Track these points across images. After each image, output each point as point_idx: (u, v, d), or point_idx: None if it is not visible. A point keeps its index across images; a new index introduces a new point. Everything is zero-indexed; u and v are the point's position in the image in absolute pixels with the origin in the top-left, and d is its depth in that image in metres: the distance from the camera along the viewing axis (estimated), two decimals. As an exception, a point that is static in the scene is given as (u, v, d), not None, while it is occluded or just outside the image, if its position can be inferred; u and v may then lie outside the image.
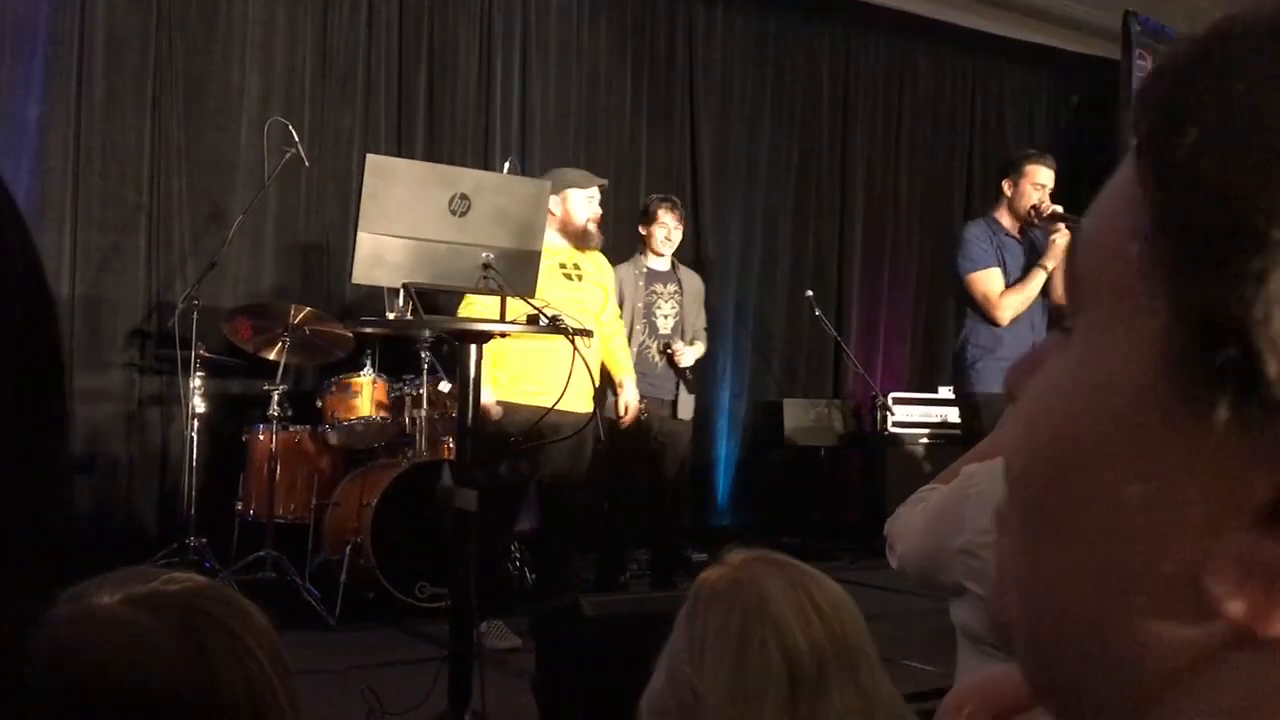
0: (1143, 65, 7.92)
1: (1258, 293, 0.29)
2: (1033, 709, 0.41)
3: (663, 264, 5.27)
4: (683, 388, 5.23)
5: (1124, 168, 0.34)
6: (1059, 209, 4.50)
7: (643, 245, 5.27)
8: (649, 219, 5.24)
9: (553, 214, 4.53)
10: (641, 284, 5.18)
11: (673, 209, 5.23)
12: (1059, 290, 4.58)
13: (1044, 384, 0.36)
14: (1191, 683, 0.32)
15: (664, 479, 5.25)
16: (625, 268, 5.20)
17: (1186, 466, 0.31)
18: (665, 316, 5.23)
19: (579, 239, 4.57)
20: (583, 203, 4.57)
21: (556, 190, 4.52)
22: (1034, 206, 4.50)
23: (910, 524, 1.83)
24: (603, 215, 4.72)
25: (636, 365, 5.08)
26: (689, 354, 5.19)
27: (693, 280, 5.37)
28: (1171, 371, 0.31)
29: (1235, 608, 0.30)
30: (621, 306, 5.08)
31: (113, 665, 0.95)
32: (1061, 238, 4.47)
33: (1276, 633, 0.30)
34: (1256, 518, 0.30)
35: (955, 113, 8.15)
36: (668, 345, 5.16)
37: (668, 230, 5.20)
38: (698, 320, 5.36)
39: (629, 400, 4.83)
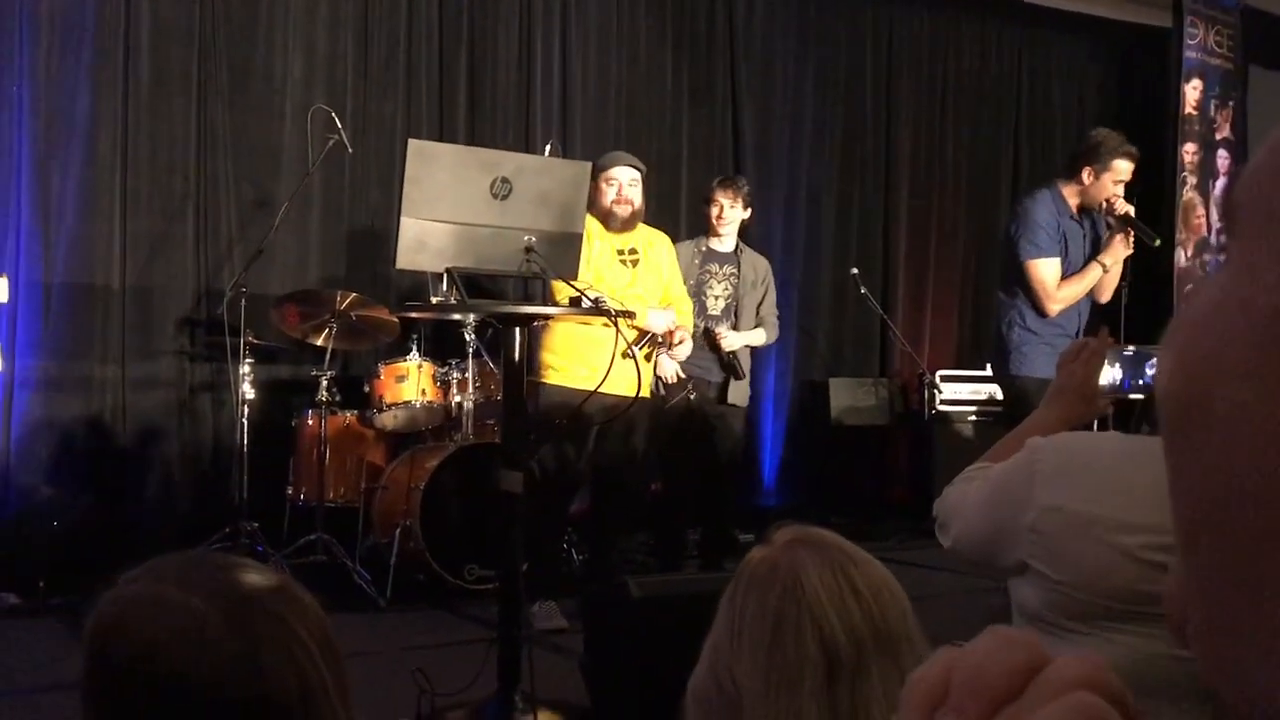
0: (1194, 33, 7.76)
1: None
2: (1025, 697, 0.37)
3: (724, 245, 5.18)
4: (731, 373, 5.13)
5: None
6: (1130, 211, 4.40)
7: (708, 225, 5.21)
8: (707, 199, 5.19)
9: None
10: (697, 263, 5.12)
11: (727, 187, 5.14)
12: (1103, 288, 4.52)
13: (1193, 307, 0.37)
14: None
15: (714, 461, 5.21)
16: (685, 245, 5.17)
17: None
18: (716, 298, 5.16)
19: (604, 221, 4.54)
20: (601, 186, 4.52)
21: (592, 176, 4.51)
22: (1108, 199, 4.41)
23: (965, 502, 1.79)
24: (631, 198, 4.59)
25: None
26: (732, 338, 5.07)
27: (757, 264, 5.26)
28: None
29: None
30: None
31: (162, 647, 0.96)
32: (1123, 247, 4.40)
33: None
34: None
35: (1001, 85, 8.03)
36: (709, 330, 5.10)
37: (720, 209, 5.11)
38: (764, 306, 5.24)
39: (682, 335, 4.69)
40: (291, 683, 0.97)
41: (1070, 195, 4.50)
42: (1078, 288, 4.44)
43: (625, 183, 4.56)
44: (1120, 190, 4.41)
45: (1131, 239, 4.40)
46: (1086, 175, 4.45)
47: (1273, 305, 0.33)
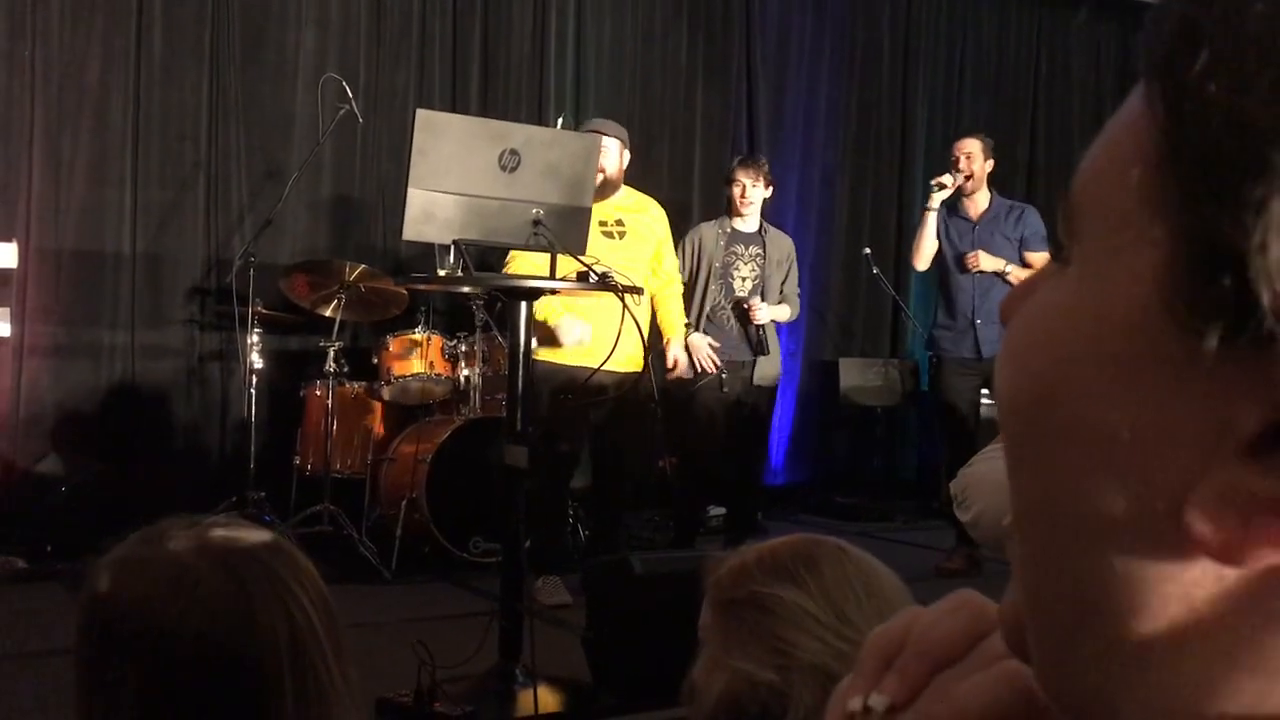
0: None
1: (1257, 220, 0.28)
2: (963, 663, 0.39)
3: (748, 225, 5.15)
4: (759, 349, 5.10)
5: (1132, 96, 0.33)
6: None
7: (729, 206, 5.19)
8: (729, 179, 5.17)
9: None
10: (722, 244, 5.10)
11: (748, 167, 5.12)
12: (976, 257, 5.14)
13: (1036, 313, 0.35)
14: (1181, 636, 0.31)
15: (739, 442, 5.19)
16: (709, 227, 5.16)
17: (1175, 399, 0.30)
18: (743, 279, 5.13)
19: (598, 191, 4.45)
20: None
21: None
22: (957, 170, 5.24)
23: (992, 478, 1.76)
24: (603, 165, 4.51)
25: (710, 328, 5.02)
26: (764, 310, 5.05)
27: (781, 243, 5.25)
28: (1166, 301, 0.30)
29: (1212, 541, 0.30)
30: (699, 265, 5.04)
31: (153, 602, 0.96)
32: (939, 183, 5.18)
33: (1249, 566, 0.30)
34: (1240, 450, 0.29)
35: (1019, 64, 7.95)
36: (742, 302, 5.05)
37: (743, 189, 5.07)
38: (788, 284, 5.25)
39: (676, 354, 4.74)
40: (283, 633, 0.97)
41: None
42: (919, 236, 5.29)
43: (610, 150, 4.47)
44: (965, 163, 5.24)
45: (947, 178, 5.23)
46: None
47: (1128, 320, 0.31)
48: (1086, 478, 0.32)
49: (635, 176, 4.74)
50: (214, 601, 0.96)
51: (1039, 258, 5.09)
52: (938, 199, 5.20)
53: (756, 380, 5.13)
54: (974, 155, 5.24)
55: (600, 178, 4.35)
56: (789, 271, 5.26)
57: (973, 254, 5.15)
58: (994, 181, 5.51)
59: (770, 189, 5.21)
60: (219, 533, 1.02)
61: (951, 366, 5.24)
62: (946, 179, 5.19)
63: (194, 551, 0.99)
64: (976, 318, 5.14)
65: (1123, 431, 0.31)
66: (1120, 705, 0.32)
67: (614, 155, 4.44)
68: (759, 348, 5.10)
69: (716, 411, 5.04)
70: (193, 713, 0.96)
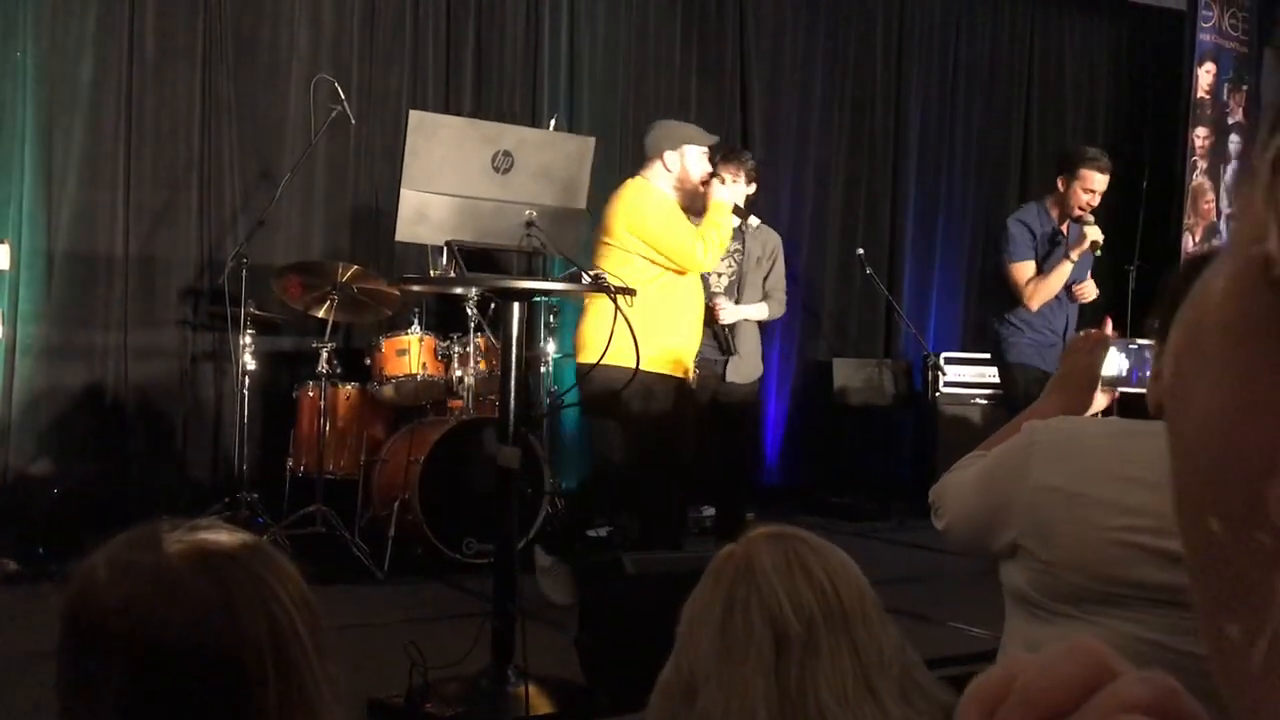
0: (1209, 16, 7.69)
1: None
2: (1084, 710, 0.35)
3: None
4: (725, 349, 5.01)
5: None
6: (1092, 235, 4.88)
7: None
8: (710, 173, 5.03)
9: (668, 170, 4.30)
10: None
11: (730, 161, 4.83)
12: (1083, 290, 5.00)
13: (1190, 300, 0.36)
14: None
15: (722, 442, 5.15)
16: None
17: (1269, 370, 0.30)
18: (719, 275, 5.02)
19: (692, 199, 4.33)
20: (698, 159, 4.33)
21: (673, 145, 4.28)
22: (1080, 208, 4.88)
23: (961, 487, 1.78)
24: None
25: None
26: (729, 311, 4.96)
27: (765, 240, 5.13)
28: (1265, 267, 0.30)
29: None
30: None
31: (136, 603, 0.96)
32: (1092, 230, 4.84)
33: None
34: None
35: (1013, 67, 7.96)
36: (709, 303, 5.00)
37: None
38: (771, 281, 5.11)
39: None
40: (264, 634, 0.97)
41: (1052, 207, 4.99)
42: (1046, 284, 4.92)
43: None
44: (1093, 200, 4.87)
45: (1094, 228, 4.87)
46: (1061, 183, 4.95)
47: (1238, 288, 0.31)
48: (1200, 456, 0.32)
49: (630, 174, 4.72)
50: (196, 602, 0.97)
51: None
52: (1079, 252, 4.90)
53: (730, 379, 5.04)
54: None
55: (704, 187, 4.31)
56: (773, 268, 5.13)
57: (1084, 284, 5.02)
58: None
59: (754, 186, 5.00)
60: (200, 535, 1.03)
61: (1034, 374, 4.92)
62: (1098, 235, 4.88)
63: (176, 553, 1.00)
64: (1066, 335, 5.01)
65: (1222, 404, 0.31)
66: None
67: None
68: (726, 348, 5.02)
69: (689, 411, 4.97)
70: (175, 712, 0.97)
